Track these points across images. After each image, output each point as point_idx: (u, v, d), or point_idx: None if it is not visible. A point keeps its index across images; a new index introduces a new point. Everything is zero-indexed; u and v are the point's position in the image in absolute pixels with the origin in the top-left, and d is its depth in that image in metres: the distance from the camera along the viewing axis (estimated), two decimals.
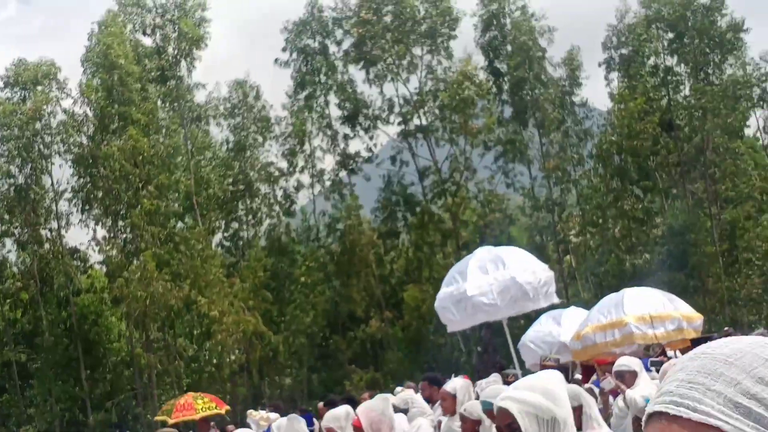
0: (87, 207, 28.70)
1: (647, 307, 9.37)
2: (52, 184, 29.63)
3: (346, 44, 26.74)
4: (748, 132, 28.23)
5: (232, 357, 26.91)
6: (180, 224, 27.87)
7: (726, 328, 15.10)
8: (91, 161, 28.14)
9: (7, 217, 28.90)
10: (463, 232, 26.98)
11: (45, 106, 28.70)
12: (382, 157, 27.38)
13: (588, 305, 26.15)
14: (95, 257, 29.57)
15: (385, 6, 26.21)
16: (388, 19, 26.21)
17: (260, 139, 27.15)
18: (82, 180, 28.50)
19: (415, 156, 26.70)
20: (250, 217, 27.58)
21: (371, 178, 27.55)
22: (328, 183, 26.79)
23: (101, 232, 29.07)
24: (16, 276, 29.91)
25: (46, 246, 29.52)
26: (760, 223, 26.18)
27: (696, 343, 7.61)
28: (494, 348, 19.54)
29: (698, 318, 9.64)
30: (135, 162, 25.77)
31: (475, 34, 26.03)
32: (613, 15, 25.93)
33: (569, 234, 26.37)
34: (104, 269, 29.07)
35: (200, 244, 26.34)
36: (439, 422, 5.04)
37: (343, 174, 26.99)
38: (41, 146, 29.15)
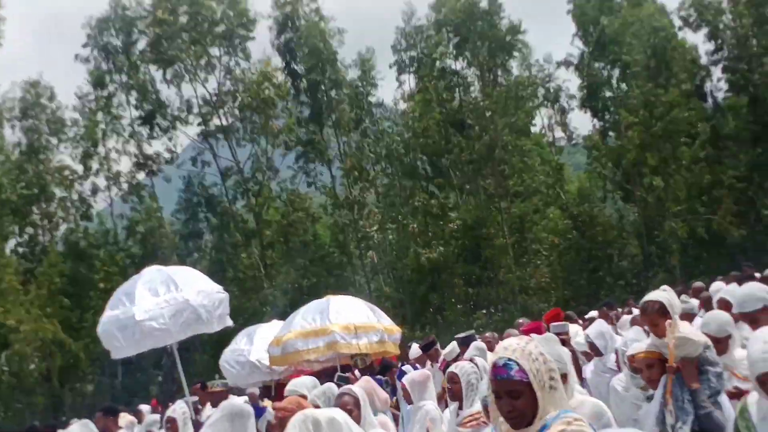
0: None
1: (352, 317, 10.90)
2: None
3: (142, 44, 32.41)
4: (535, 129, 36.15)
5: (32, 366, 31.86)
6: None
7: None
8: None
9: None
10: (267, 232, 33.58)
11: None
12: (183, 158, 33.44)
13: (389, 299, 33.64)
14: None
15: (181, 6, 32.20)
16: (184, 19, 32.28)
17: (54, 141, 32.47)
18: None
19: (217, 156, 33.23)
20: (46, 221, 32.89)
21: (171, 179, 33.68)
22: (125, 185, 32.44)
23: None
24: None
25: None
26: (546, 216, 33.91)
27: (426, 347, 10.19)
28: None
29: (397, 331, 11.67)
30: None
31: (271, 36, 32.57)
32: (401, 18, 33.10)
33: (370, 231, 33.18)
34: None
35: None
36: None
37: (141, 176, 32.71)
38: None
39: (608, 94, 35.00)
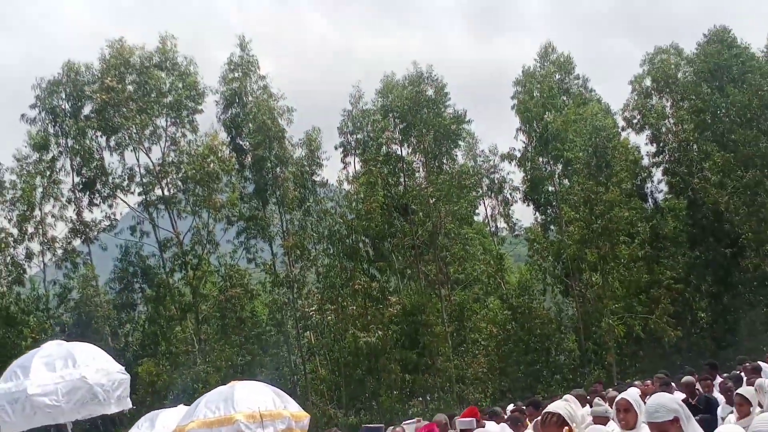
0: None
1: (258, 403, 10.17)
2: None
3: (88, 109, 33.80)
4: (478, 219, 38.04)
5: None
6: None
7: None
8: None
9: None
10: (203, 306, 34.72)
11: None
12: (122, 227, 34.79)
13: (324, 382, 34.66)
14: None
15: (130, 75, 33.77)
16: (132, 88, 33.80)
17: None
18: None
19: (156, 227, 34.51)
20: None
21: (108, 247, 34.75)
22: (60, 251, 33.42)
23: None
24: None
25: None
26: (486, 306, 35.59)
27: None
28: None
29: (305, 417, 11.23)
30: None
31: (217, 111, 34.22)
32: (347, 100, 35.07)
33: (309, 310, 34.57)
34: None
35: None
36: None
37: (77, 243, 33.77)
38: None
39: (551, 188, 37.35)
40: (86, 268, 35.84)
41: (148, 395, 36.00)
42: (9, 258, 36.07)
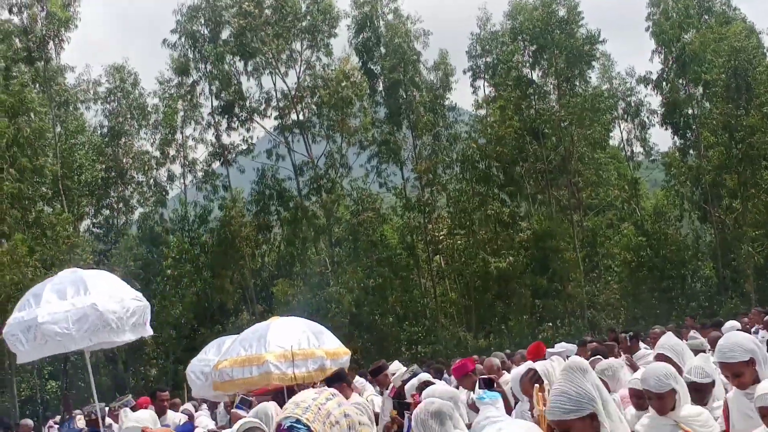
0: None
1: (290, 342, 11.78)
2: None
3: (227, 34, 39.92)
4: (613, 143, 42.64)
5: None
6: (48, 209, 40.32)
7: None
8: None
9: None
10: (336, 229, 40.52)
11: None
12: (258, 150, 40.84)
13: (454, 305, 40.76)
14: None
15: None
16: (269, 12, 39.58)
17: (136, 125, 40.11)
18: None
19: (292, 151, 40.28)
20: (122, 204, 40.48)
21: (245, 170, 40.93)
22: (200, 174, 39.97)
23: None
24: None
25: None
26: (619, 232, 40.36)
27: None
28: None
29: (345, 354, 12.52)
30: None
31: (349, 35, 39.82)
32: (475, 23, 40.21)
33: (438, 235, 40.11)
34: None
35: (66, 231, 38.56)
36: None
37: (216, 165, 40.20)
38: None
39: (689, 112, 41.37)
40: (228, 190, 41.88)
41: (283, 315, 42.31)
42: (152, 180, 42.91)
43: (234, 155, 42.48)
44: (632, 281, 40.85)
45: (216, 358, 13.08)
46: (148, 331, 11.07)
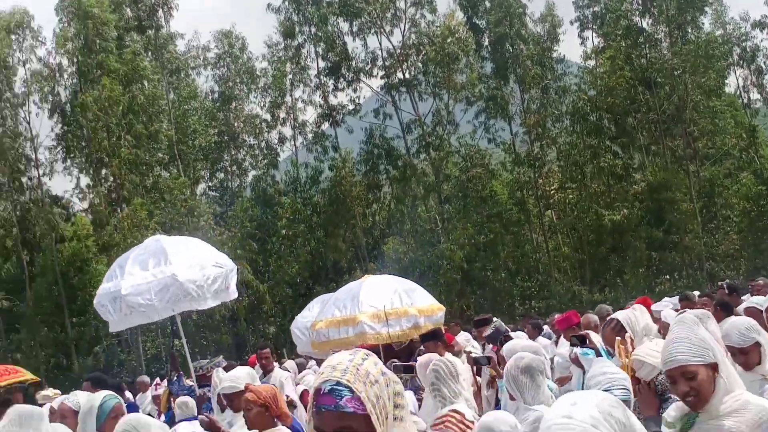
0: (70, 155, 43.20)
1: (383, 302, 12.21)
2: (31, 132, 44.25)
3: None
4: (728, 90, 42.31)
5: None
6: (165, 174, 42.53)
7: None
8: (70, 111, 42.50)
9: None
10: (445, 186, 41.56)
11: (19, 55, 42.94)
12: (366, 110, 42.08)
13: (567, 259, 41.30)
14: (79, 205, 44.53)
15: None
16: None
17: (245, 90, 41.87)
18: (63, 129, 42.86)
19: (398, 109, 41.37)
20: (235, 167, 42.44)
21: (354, 130, 42.32)
22: (310, 135, 41.54)
23: (85, 180, 43.75)
24: None
25: (28, 194, 44.03)
26: (738, 181, 40.26)
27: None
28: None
29: (439, 310, 13.03)
30: (113, 112, 39.86)
31: None
32: None
33: (550, 189, 40.79)
34: (89, 217, 43.77)
35: (183, 194, 40.64)
36: None
37: (325, 126, 41.65)
38: (17, 95, 43.44)
39: None
40: (338, 150, 43.23)
41: (395, 272, 43.71)
42: (264, 143, 44.86)
43: (342, 116, 43.91)
44: (752, 231, 40.57)
45: (315, 314, 13.71)
46: (232, 295, 11.63)
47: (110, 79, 41.07)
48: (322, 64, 43.44)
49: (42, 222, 43.84)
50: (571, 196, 41.86)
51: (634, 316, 5.72)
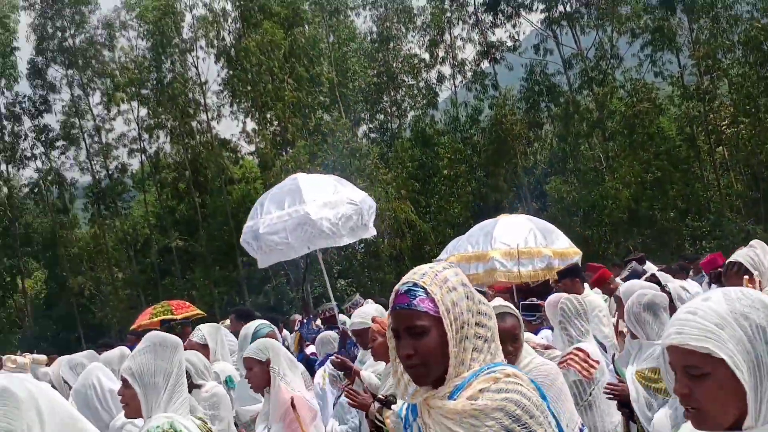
0: (236, 100, 45.75)
1: (516, 240, 12.29)
2: (199, 77, 46.95)
3: None
4: None
5: (383, 244, 43.00)
6: (326, 116, 44.49)
7: None
8: (234, 55, 44.82)
9: (159, 109, 46.38)
10: (610, 123, 41.65)
11: (184, 0, 45.24)
12: (525, 46, 42.41)
13: (740, 197, 40.83)
14: (246, 148, 47.24)
15: None
16: None
17: (403, 30, 43.03)
18: (228, 74, 45.35)
19: (560, 44, 41.53)
20: (395, 108, 43.91)
21: (513, 67, 42.81)
22: (469, 74, 42.34)
23: (251, 124, 46.30)
24: (171, 166, 47.97)
25: (198, 138, 47.06)
26: None
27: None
28: None
29: (576, 254, 12.87)
30: (275, 55, 41.79)
31: None
32: None
33: (721, 124, 40.21)
34: (256, 160, 46.42)
35: (346, 136, 42.42)
36: None
37: (485, 64, 42.42)
38: (179, 41, 46.09)
39: None
40: (498, 89, 43.65)
41: (558, 212, 44.32)
42: (423, 82, 46.13)
43: (501, 53, 44.42)
44: None
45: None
46: (371, 232, 11.93)
47: (271, 23, 43.05)
48: None
49: (212, 165, 46.87)
50: (743, 130, 40.94)
51: (755, 254, 5.71)
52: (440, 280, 2.52)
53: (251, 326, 7.15)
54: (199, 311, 19.76)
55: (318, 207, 11.04)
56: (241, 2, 44.77)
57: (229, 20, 46.31)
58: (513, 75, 45.00)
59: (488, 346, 2.55)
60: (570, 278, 9.70)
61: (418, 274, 2.56)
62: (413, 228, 42.73)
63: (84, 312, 47.07)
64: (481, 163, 43.16)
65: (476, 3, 43.95)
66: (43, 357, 14.45)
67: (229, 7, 45.94)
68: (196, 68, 47.79)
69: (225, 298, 47.36)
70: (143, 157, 48.40)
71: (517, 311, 4.77)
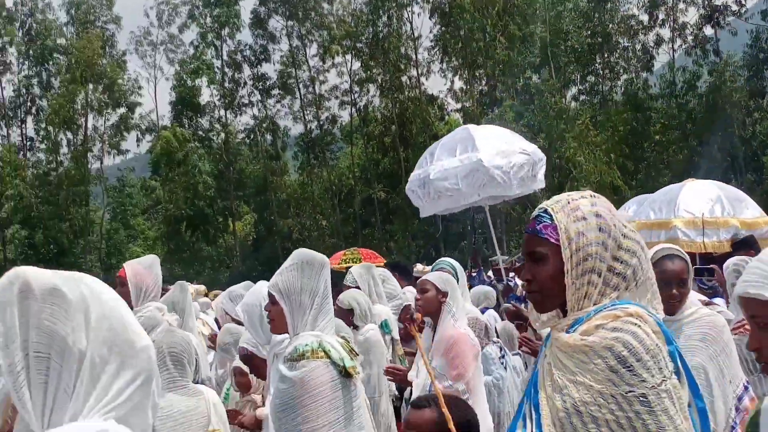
0: (446, 57, 46.55)
1: (701, 209, 11.84)
2: (413, 33, 48.01)
3: None
4: None
5: None
6: (535, 77, 44.62)
7: None
8: (448, 11, 45.46)
9: (372, 63, 47.75)
10: None
11: None
12: (752, 11, 40.94)
13: None
14: (453, 105, 48.12)
15: None
16: None
17: None
18: (441, 30, 46.14)
19: None
20: (607, 71, 43.51)
21: (738, 33, 41.44)
22: (690, 38, 41.32)
23: (458, 83, 47.07)
24: (378, 120, 49.45)
25: (406, 93, 48.22)
26: None
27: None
28: None
29: (766, 224, 12.10)
30: (488, 13, 42.13)
31: None
32: None
33: None
34: (461, 119, 47.20)
35: (554, 97, 42.38)
36: None
37: (707, 30, 41.21)
38: None
39: None
40: (719, 54, 41.98)
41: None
42: (639, 45, 45.27)
43: (725, 17, 43.05)
44: None
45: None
46: (539, 185, 11.96)
47: None
48: None
49: (418, 120, 48.05)
50: None
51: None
52: (571, 208, 2.42)
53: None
54: (382, 260, 20.37)
55: (491, 155, 11.26)
56: None
57: None
58: (737, 41, 43.49)
59: (626, 285, 2.41)
60: (744, 250, 8.98)
61: (553, 200, 2.49)
62: (618, 194, 42.26)
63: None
64: (696, 131, 42.10)
65: None
66: (203, 287, 15.29)
67: None
68: (410, 23, 48.95)
69: (422, 251, 48.53)
70: (353, 109, 50.19)
71: (687, 256, 4.44)
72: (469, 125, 12.73)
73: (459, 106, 48.13)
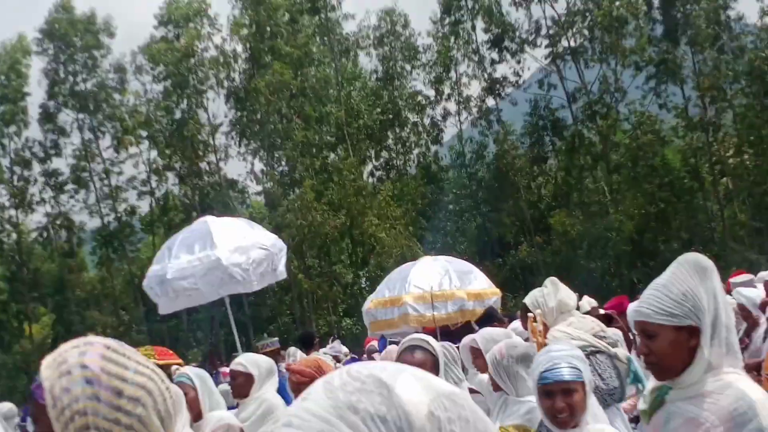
0: (244, 140, 47.90)
1: (430, 283, 12.57)
2: (209, 118, 49.20)
3: None
4: None
5: None
6: (332, 155, 46.60)
7: None
8: (244, 96, 47.07)
9: (167, 151, 48.49)
10: (614, 156, 43.48)
11: (197, 43, 47.75)
12: (529, 82, 44.64)
13: (743, 227, 42.52)
14: (254, 188, 49.25)
15: None
16: None
17: (408, 67, 45.49)
18: (237, 114, 47.61)
19: (564, 79, 43.69)
20: (400, 146, 46.11)
21: (518, 102, 45.02)
22: (474, 110, 44.57)
23: (259, 165, 48.28)
24: (179, 208, 49.92)
25: (206, 179, 49.09)
26: None
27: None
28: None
29: (493, 294, 13.13)
30: (283, 95, 44.00)
31: None
32: None
33: (725, 155, 41.94)
34: (263, 200, 48.41)
35: (353, 174, 44.35)
36: None
37: (490, 101, 44.59)
38: (195, 82, 48.42)
39: None
40: (501, 124, 44.87)
41: (563, 245, 45.77)
42: (428, 119, 48.30)
43: (504, 88, 46.65)
44: None
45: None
46: (280, 276, 12.27)
47: (281, 64, 45.38)
48: (484, 36, 46.29)
49: (220, 205, 48.77)
50: (748, 161, 42.54)
51: (541, 294, 6.10)
52: (58, 362, 2.08)
53: None
54: (179, 359, 21.09)
55: (228, 252, 11.27)
56: (251, 44, 47.06)
57: (239, 61, 48.57)
58: (517, 110, 47.10)
59: None
60: (490, 323, 9.39)
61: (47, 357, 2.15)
62: None
63: None
64: (486, 198, 44.99)
65: (476, 41, 46.29)
66: None
67: (239, 48, 48.33)
68: (205, 109, 50.06)
69: (230, 339, 48.65)
70: (152, 199, 50.47)
71: (435, 346, 4.39)
72: (208, 217, 12.77)
73: (260, 188, 49.33)
